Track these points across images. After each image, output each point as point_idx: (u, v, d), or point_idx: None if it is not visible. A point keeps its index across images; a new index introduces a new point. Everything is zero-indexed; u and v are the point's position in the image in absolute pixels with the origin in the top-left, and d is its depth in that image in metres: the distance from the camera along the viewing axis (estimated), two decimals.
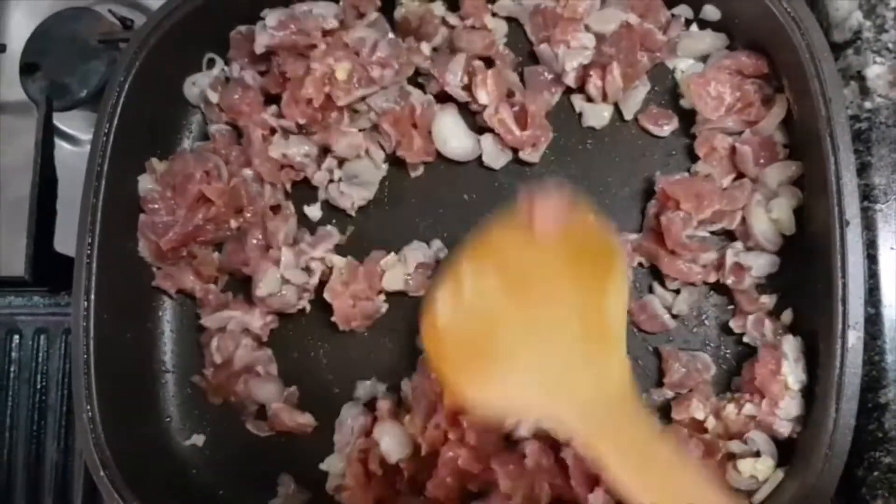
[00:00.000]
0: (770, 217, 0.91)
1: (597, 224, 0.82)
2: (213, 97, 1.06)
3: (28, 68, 1.18)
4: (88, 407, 0.94)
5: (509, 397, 0.75)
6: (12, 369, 1.13)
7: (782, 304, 0.92)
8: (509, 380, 0.74)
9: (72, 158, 1.22)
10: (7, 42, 1.24)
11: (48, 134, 1.13)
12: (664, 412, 0.93)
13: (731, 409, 0.89)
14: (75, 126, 1.28)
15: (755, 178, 0.93)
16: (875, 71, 0.89)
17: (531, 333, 0.75)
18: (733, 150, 0.94)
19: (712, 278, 0.93)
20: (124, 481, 0.93)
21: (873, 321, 0.85)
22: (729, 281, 0.91)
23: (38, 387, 1.12)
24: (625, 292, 0.77)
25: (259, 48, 1.01)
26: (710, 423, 0.90)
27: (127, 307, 1.03)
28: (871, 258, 0.86)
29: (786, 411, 0.86)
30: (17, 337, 1.14)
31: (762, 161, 0.93)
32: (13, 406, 1.12)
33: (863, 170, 0.87)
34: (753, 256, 0.91)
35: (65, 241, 1.09)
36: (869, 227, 0.86)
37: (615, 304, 0.75)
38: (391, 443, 0.94)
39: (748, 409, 0.88)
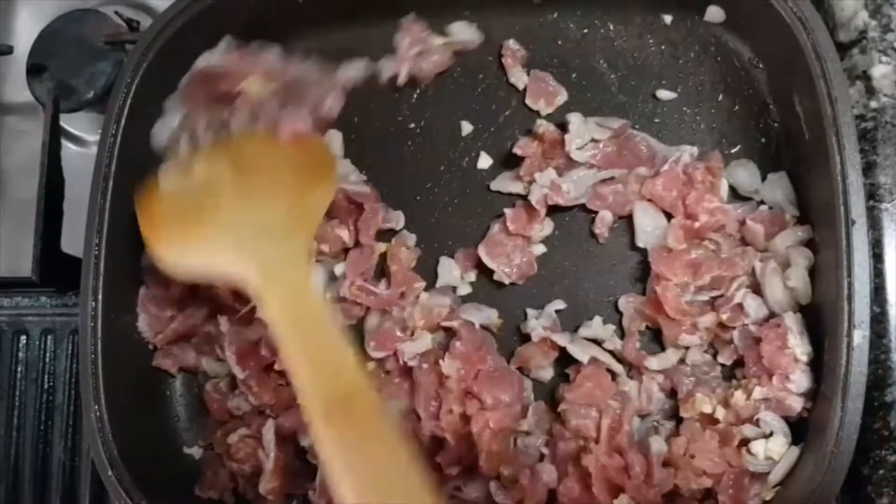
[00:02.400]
0: (787, 285, 0.89)
1: (323, 147, 1.04)
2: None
3: (35, 70, 1.19)
4: (96, 406, 0.94)
5: (209, 255, 0.89)
6: (19, 369, 1.13)
7: None
8: (214, 240, 0.89)
9: (78, 160, 1.22)
10: (14, 44, 1.24)
11: (55, 135, 1.13)
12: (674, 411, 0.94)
13: (739, 396, 0.89)
14: (81, 127, 1.28)
15: (763, 249, 0.93)
16: (881, 70, 0.90)
17: (242, 206, 0.91)
18: (743, 223, 0.94)
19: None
20: (132, 480, 0.93)
21: (879, 320, 0.85)
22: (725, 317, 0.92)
23: (45, 387, 1.13)
24: (328, 201, 0.96)
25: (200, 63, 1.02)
26: (720, 413, 0.90)
27: (134, 307, 1.03)
28: (877, 257, 0.86)
29: (797, 384, 0.86)
30: (24, 337, 1.14)
31: (773, 232, 0.92)
32: (20, 406, 1.13)
33: (868, 169, 0.88)
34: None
35: (72, 241, 1.09)
36: (874, 226, 0.86)
37: (319, 203, 0.95)
38: None
39: (758, 392, 0.87)
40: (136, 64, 1.02)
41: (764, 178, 0.96)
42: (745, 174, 0.97)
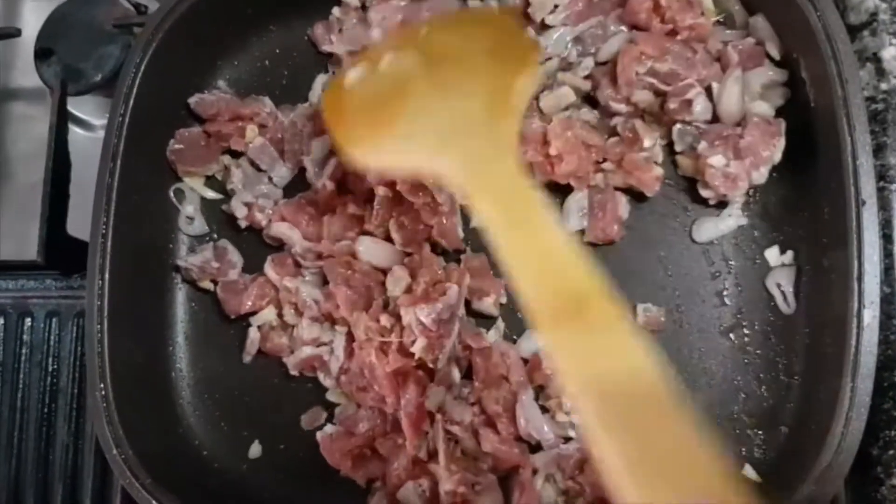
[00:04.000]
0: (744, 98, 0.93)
1: (520, 28, 0.96)
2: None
3: (43, 53, 1.19)
4: (102, 385, 0.94)
5: (406, 152, 0.82)
6: (24, 352, 1.13)
7: (798, 285, 0.92)
8: (410, 136, 0.82)
9: (85, 143, 1.22)
10: (21, 27, 1.24)
11: (62, 118, 1.13)
12: None
13: None
14: (88, 111, 1.28)
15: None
16: (891, 52, 0.90)
17: (438, 97, 0.83)
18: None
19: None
20: (137, 460, 0.93)
21: (889, 300, 0.86)
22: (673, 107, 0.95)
23: (50, 370, 1.13)
24: (532, 85, 0.88)
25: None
26: None
27: (140, 287, 1.03)
28: (887, 238, 0.86)
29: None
30: (29, 320, 1.14)
31: (749, 65, 0.95)
32: (24, 389, 1.12)
33: (879, 150, 0.88)
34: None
35: (77, 225, 1.10)
36: (885, 207, 0.87)
37: (523, 88, 0.83)
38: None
39: None
40: (144, 46, 1.02)
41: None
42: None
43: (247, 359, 1.04)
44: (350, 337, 0.98)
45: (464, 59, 0.87)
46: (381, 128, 0.85)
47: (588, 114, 0.99)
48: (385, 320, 0.94)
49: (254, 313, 1.04)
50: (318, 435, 0.99)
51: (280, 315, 1.03)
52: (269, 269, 1.02)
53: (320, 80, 1.10)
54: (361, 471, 0.97)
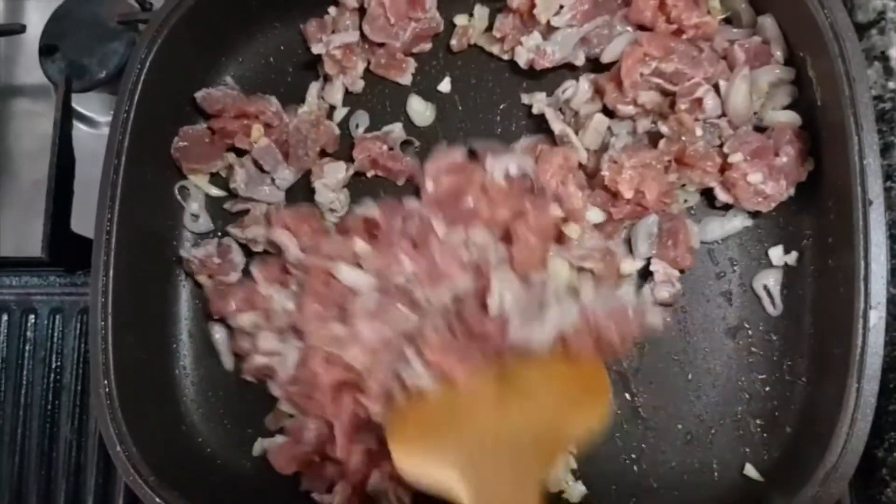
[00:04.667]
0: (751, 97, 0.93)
1: (603, 374, 0.90)
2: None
3: (47, 50, 1.19)
4: (106, 382, 0.94)
5: (433, 462, 0.80)
6: (27, 349, 1.14)
7: (803, 286, 0.92)
8: (445, 448, 0.81)
9: (89, 140, 1.23)
10: (26, 23, 1.24)
11: (67, 114, 1.13)
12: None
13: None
14: (92, 108, 1.28)
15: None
16: None
17: (493, 422, 0.82)
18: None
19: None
20: (140, 457, 0.93)
21: (895, 301, 0.85)
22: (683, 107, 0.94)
23: (53, 366, 1.13)
24: (588, 433, 0.84)
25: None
26: None
27: (144, 284, 1.02)
28: (894, 238, 0.86)
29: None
30: (32, 316, 1.14)
31: (755, 65, 0.95)
32: (28, 385, 1.13)
33: (886, 150, 0.88)
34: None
35: (81, 222, 1.09)
36: (892, 206, 0.87)
37: (576, 433, 0.83)
38: None
39: None
40: (149, 42, 1.02)
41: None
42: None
43: (227, 364, 1.04)
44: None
45: (535, 393, 0.85)
46: (428, 434, 0.84)
47: (620, 141, 0.97)
48: (339, 331, 0.94)
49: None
50: (265, 443, 1.00)
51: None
52: (256, 271, 1.02)
53: (314, 87, 1.09)
54: (318, 479, 0.97)
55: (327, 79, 1.09)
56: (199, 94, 1.07)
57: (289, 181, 1.07)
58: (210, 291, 1.04)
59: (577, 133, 0.99)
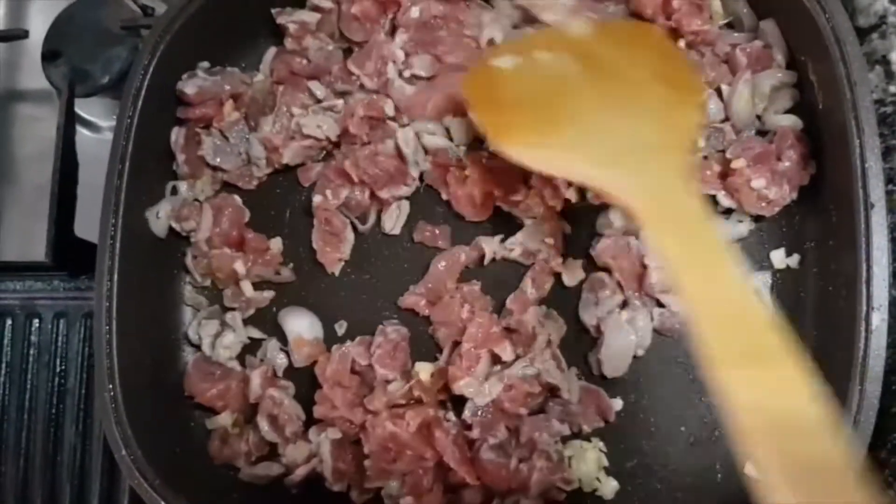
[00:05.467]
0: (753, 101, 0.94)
1: (682, 52, 0.94)
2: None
3: (50, 55, 1.19)
4: (111, 386, 0.94)
5: (575, 162, 0.78)
6: (32, 353, 1.14)
7: (805, 289, 0.92)
8: (579, 144, 0.78)
9: (92, 145, 1.23)
10: (29, 29, 1.25)
11: (70, 119, 1.14)
12: None
13: None
14: (95, 113, 1.29)
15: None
16: None
17: (609, 111, 0.80)
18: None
19: None
20: (145, 460, 0.93)
21: None
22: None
23: (58, 370, 1.13)
24: (700, 125, 0.86)
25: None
26: None
27: (148, 288, 1.03)
28: None
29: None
30: (36, 321, 1.14)
31: (757, 69, 0.95)
32: (32, 389, 1.13)
33: (888, 153, 0.88)
34: None
35: (84, 226, 1.09)
36: (893, 210, 0.86)
37: (693, 124, 0.82)
38: None
39: None
40: (152, 47, 1.03)
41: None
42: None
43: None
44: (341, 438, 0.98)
45: (631, 77, 0.84)
46: (547, 128, 0.81)
47: None
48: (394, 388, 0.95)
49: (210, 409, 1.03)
50: None
51: (236, 423, 1.02)
52: (255, 378, 1.01)
53: (271, 52, 1.10)
54: None
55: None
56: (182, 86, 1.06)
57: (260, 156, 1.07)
58: (190, 368, 1.04)
59: None
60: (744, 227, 0.96)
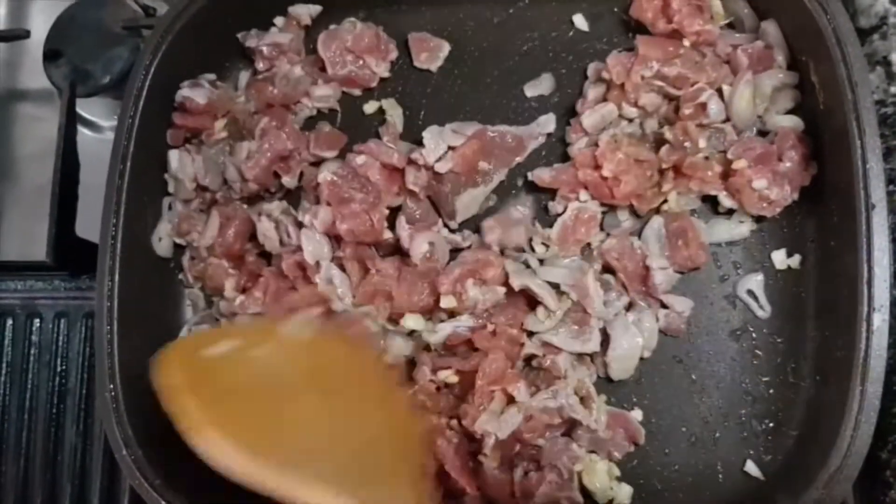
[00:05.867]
0: (754, 102, 0.94)
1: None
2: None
3: (51, 55, 1.19)
4: (111, 386, 0.94)
5: (286, 481, 0.68)
6: (33, 352, 1.14)
7: (806, 289, 0.92)
8: (305, 460, 0.69)
9: (93, 145, 1.23)
10: (30, 29, 1.25)
11: (71, 119, 1.14)
12: None
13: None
14: (96, 113, 1.29)
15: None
16: None
17: (334, 426, 0.72)
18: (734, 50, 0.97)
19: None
20: (146, 460, 0.93)
21: None
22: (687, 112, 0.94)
23: (58, 370, 1.13)
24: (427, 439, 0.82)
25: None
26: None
27: (149, 288, 1.03)
28: None
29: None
30: (37, 321, 1.14)
31: (758, 69, 0.95)
32: (33, 389, 1.13)
33: (889, 154, 0.88)
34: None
35: (85, 226, 1.10)
36: (895, 210, 0.86)
37: (421, 437, 0.81)
38: None
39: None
40: (154, 47, 1.03)
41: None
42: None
43: None
44: None
45: (349, 387, 0.77)
46: (260, 437, 0.69)
47: (629, 127, 0.98)
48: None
49: None
50: None
51: None
52: None
53: (244, 76, 1.11)
54: None
55: (257, 72, 1.10)
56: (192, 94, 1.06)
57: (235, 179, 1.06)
58: None
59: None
60: (745, 228, 0.96)
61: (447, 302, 0.94)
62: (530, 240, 0.99)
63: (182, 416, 0.70)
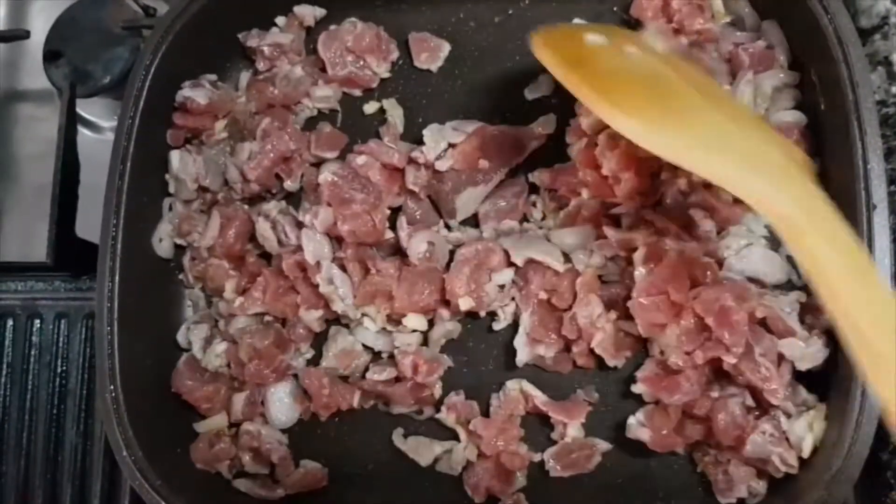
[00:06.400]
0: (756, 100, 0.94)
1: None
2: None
3: (51, 55, 1.19)
4: (112, 387, 0.94)
5: (713, 158, 0.73)
6: (33, 353, 1.14)
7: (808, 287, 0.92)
8: (715, 143, 0.73)
9: (93, 145, 1.23)
10: (30, 29, 1.25)
11: (71, 120, 1.14)
12: None
13: None
14: (96, 113, 1.29)
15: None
16: None
17: (726, 117, 0.76)
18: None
19: None
20: (146, 461, 0.93)
21: None
22: None
23: (59, 371, 1.13)
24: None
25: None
26: None
27: (149, 289, 1.03)
28: None
29: None
30: (38, 321, 1.14)
31: (759, 69, 0.95)
32: (34, 390, 1.13)
33: (890, 154, 0.88)
34: None
35: (86, 227, 1.10)
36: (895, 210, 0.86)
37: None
38: None
39: None
40: (154, 47, 1.03)
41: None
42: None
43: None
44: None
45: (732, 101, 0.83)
46: (670, 114, 0.74)
47: None
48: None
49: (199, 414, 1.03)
50: None
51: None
52: (237, 402, 1.01)
53: (244, 76, 1.11)
54: None
55: (257, 72, 1.11)
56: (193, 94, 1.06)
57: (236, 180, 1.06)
58: (180, 366, 1.03)
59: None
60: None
61: (466, 304, 0.95)
62: (522, 220, 1.00)
63: (580, 93, 0.75)
